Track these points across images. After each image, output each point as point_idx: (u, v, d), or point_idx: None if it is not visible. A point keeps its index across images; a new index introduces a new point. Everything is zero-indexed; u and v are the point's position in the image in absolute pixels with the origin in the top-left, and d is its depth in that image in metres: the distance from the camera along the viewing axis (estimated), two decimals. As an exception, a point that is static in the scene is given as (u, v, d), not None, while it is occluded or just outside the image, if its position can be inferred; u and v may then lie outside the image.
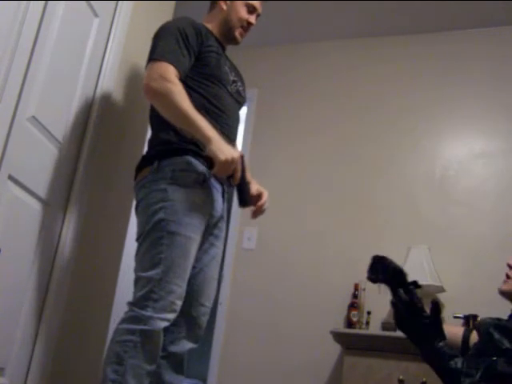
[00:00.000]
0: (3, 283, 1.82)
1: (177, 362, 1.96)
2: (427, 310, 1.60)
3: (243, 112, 2.34)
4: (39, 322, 2.02)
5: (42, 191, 1.98)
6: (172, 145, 1.93)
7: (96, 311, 2.34)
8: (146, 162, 1.97)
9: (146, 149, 2.09)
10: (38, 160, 1.96)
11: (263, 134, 3.83)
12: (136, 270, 1.87)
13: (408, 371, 2.63)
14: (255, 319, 3.44)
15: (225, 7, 2.18)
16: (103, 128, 2.29)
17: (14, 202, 1.84)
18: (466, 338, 1.76)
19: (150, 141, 2.03)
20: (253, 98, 3.80)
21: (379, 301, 3.16)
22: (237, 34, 2.19)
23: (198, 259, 1.96)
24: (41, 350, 2.01)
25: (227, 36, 2.19)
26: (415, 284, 1.63)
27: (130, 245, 2.54)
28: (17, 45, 1.76)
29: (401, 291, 1.61)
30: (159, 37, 2.00)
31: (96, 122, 2.25)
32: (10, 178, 1.81)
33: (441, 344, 1.54)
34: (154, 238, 1.83)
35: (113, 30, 2.35)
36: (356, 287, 3.19)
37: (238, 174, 1.85)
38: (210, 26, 2.17)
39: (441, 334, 1.56)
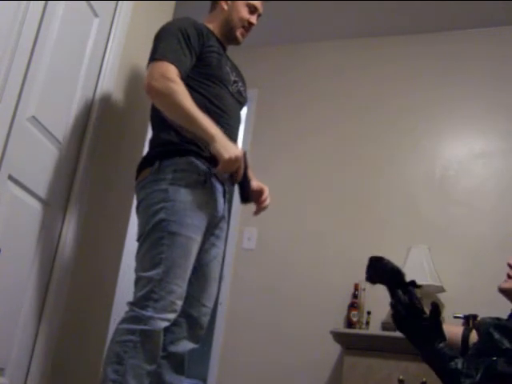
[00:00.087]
0: (3, 283, 1.82)
1: (177, 363, 1.96)
2: (427, 310, 1.60)
3: (243, 112, 2.34)
4: (39, 322, 2.02)
5: (42, 191, 1.98)
6: (173, 145, 1.93)
7: (96, 311, 2.34)
8: (147, 162, 1.97)
9: (146, 149, 2.09)
10: (38, 160, 1.96)
11: (263, 134, 3.84)
12: (136, 270, 1.87)
13: (408, 371, 2.63)
14: (255, 319, 3.44)
15: (226, 7, 2.18)
16: (103, 128, 2.29)
17: (13, 202, 1.84)
18: (465, 337, 1.76)
19: (151, 141, 2.03)
20: (253, 98, 3.79)
21: (379, 301, 3.16)
22: (238, 34, 2.19)
23: (198, 259, 1.96)
24: (41, 350, 2.01)
25: (228, 36, 2.19)
26: (413, 284, 1.63)
27: (130, 245, 2.54)
28: (17, 45, 1.76)
29: (399, 292, 1.61)
30: (160, 37, 2.00)
31: (96, 122, 2.25)
32: (10, 178, 1.81)
33: (441, 345, 1.54)
34: (155, 238, 1.83)
35: (113, 30, 2.35)
36: (356, 287, 3.19)
37: (241, 172, 1.87)
38: (211, 26, 2.17)
39: (441, 335, 1.56)
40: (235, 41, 2.20)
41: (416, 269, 2.98)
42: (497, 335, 1.56)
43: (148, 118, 2.61)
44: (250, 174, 1.99)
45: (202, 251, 1.99)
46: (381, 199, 3.46)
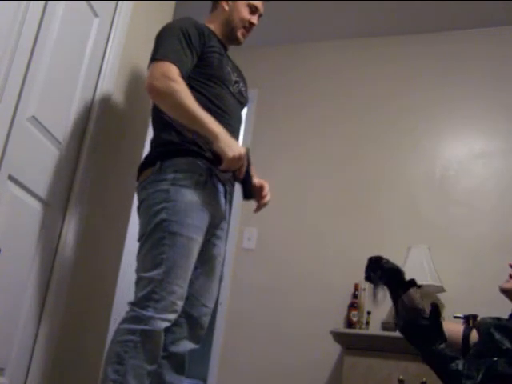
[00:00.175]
0: (3, 283, 1.82)
1: (178, 363, 1.96)
2: (427, 310, 1.60)
3: (243, 112, 2.34)
4: (39, 322, 2.02)
5: (42, 191, 1.98)
6: (174, 145, 1.93)
7: (96, 311, 2.34)
8: (148, 162, 1.97)
9: (147, 149, 2.09)
10: (38, 160, 1.96)
11: (263, 134, 3.84)
12: (137, 271, 1.87)
13: (408, 371, 2.63)
14: (255, 319, 3.44)
15: (227, 8, 2.18)
16: (103, 128, 2.29)
17: (13, 202, 1.84)
18: (466, 336, 1.76)
19: (152, 141, 2.03)
20: (253, 98, 3.79)
21: (379, 301, 3.17)
22: (239, 34, 2.19)
23: (199, 260, 1.96)
24: (41, 350, 2.01)
25: (229, 36, 2.19)
26: (413, 283, 1.63)
27: (130, 245, 2.54)
28: (17, 45, 1.76)
29: (400, 291, 1.61)
30: (162, 37, 2.00)
31: (96, 121, 2.24)
32: (10, 178, 1.80)
33: (441, 346, 1.54)
34: (156, 238, 1.83)
35: (113, 30, 2.35)
36: (356, 287, 3.19)
37: (244, 169, 1.88)
38: (212, 26, 2.17)
39: (441, 336, 1.56)
40: (236, 41, 2.20)
41: (416, 269, 2.98)
42: (497, 335, 1.56)
43: (148, 118, 2.61)
44: (253, 170, 1.99)
45: (203, 252, 1.99)
46: (381, 199, 3.46)
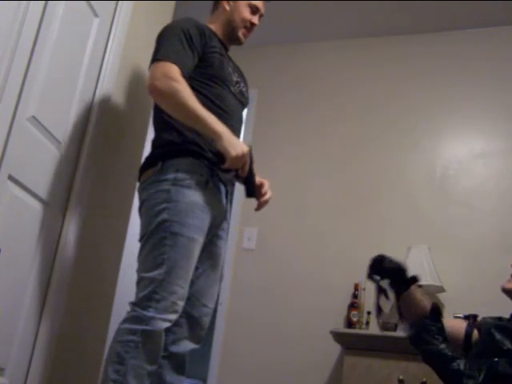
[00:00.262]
0: (3, 283, 1.82)
1: (178, 363, 1.96)
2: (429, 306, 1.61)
3: (244, 112, 2.35)
4: (39, 322, 2.02)
5: (42, 191, 1.98)
6: (175, 146, 1.93)
7: (96, 311, 2.34)
8: (149, 163, 1.97)
9: (147, 149, 2.09)
10: (38, 160, 1.96)
11: (263, 134, 3.83)
12: (138, 271, 1.87)
13: (408, 371, 2.63)
14: (255, 319, 3.44)
15: (228, 8, 2.18)
16: (103, 128, 2.29)
17: (14, 202, 1.84)
18: (468, 334, 1.75)
19: (154, 142, 2.03)
20: (253, 98, 3.79)
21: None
22: (240, 34, 2.19)
23: (200, 260, 1.96)
24: (41, 350, 2.01)
25: (230, 37, 2.18)
26: (415, 279, 1.64)
27: (130, 245, 2.54)
28: (17, 45, 1.76)
29: (402, 289, 1.61)
30: (163, 37, 2.00)
31: (96, 122, 2.24)
32: (10, 178, 1.80)
33: (442, 346, 1.54)
34: (157, 238, 1.83)
35: (113, 30, 2.35)
36: (356, 287, 3.19)
37: (247, 167, 1.89)
38: (213, 26, 2.17)
39: (442, 336, 1.56)
40: (237, 41, 2.20)
41: (416, 269, 2.97)
42: (498, 336, 1.56)
43: (148, 118, 2.61)
44: (255, 168, 2.00)
45: (204, 252, 1.99)
46: (381, 199, 3.46)
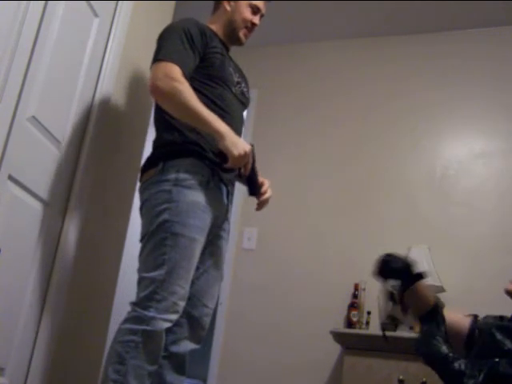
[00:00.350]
0: (3, 283, 1.82)
1: (178, 363, 1.96)
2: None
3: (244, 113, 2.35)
4: (39, 322, 2.02)
5: (42, 191, 1.98)
6: (176, 146, 1.93)
7: (96, 311, 2.34)
8: (150, 163, 1.97)
9: (147, 149, 2.09)
10: (38, 160, 1.96)
11: (263, 135, 3.83)
12: (139, 271, 1.87)
13: (408, 371, 2.63)
14: (255, 319, 3.44)
15: (228, 8, 2.18)
16: (103, 128, 2.29)
17: (13, 202, 1.84)
18: (472, 330, 1.74)
19: (155, 142, 2.03)
20: (253, 98, 3.78)
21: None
22: (241, 34, 2.18)
23: (201, 260, 1.96)
24: (41, 350, 2.01)
25: (231, 37, 2.18)
26: (421, 275, 1.64)
27: (130, 245, 2.54)
28: (17, 45, 1.76)
29: (407, 285, 1.62)
30: (164, 37, 2.00)
31: (96, 121, 2.24)
32: (10, 178, 1.80)
33: (443, 348, 1.54)
34: (158, 239, 1.83)
35: (113, 30, 2.35)
36: (356, 287, 3.19)
37: (249, 166, 1.90)
38: (214, 27, 2.16)
39: (444, 337, 1.56)
40: (238, 41, 2.20)
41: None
42: (499, 336, 1.56)
43: (148, 118, 2.61)
44: (257, 167, 2.00)
45: (205, 252, 1.99)
46: (381, 199, 3.46)
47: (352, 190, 3.54)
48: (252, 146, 1.90)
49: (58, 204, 2.08)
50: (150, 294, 1.78)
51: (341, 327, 3.16)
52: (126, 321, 1.79)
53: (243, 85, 2.19)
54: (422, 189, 3.42)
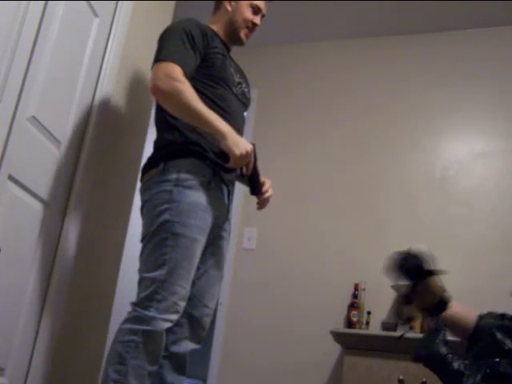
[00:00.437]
0: (3, 283, 1.82)
1: (179, 363, 1.96)
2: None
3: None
4: (39, 322, 2.02)
5: (42, 191, 1.98)
6: (177, 146, 1.93)
7: (96, 311, 2.34)
8: (151, 163, 1.97)
9: (147, 149, 2.09)
10: (38, 160, 1.96)
11: (263, 135, 3.83)
12: (140, 271, 1.87)
13: (408, 371, 2.63)
14: (255, 319, 3.44)
15: (229, 8, 2.17)
16: (103, 128, 2.29)
17: (13, 202, 1.84)
18: (478, 328, 1.74)
19: (156, 142, 2.03)
20: (253, 98, 3.75)
21: (379, 301, 3.17)
22: (242, 34, 2.18)
23: (202, 260, 1.96)
24: (41, 350, 2.01)
25: (232, 37, 2.18)
26: (431, 272, 1.64)
27: (131, 245, 2.54)
28: (17, 45, 1.76)
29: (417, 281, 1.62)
30: (165, 38, 2.00)
31: (96, 121, 2.24)
32: (10, 178, 1.80)
33: (443, 349, 1.54)
34: (159, 239, 1.83)
35: (113, 30, 2.35)
36: (356, 287, 3.19)
37: (251, 165, 1.90)
38: (214, 27, 2.16)
39: (444, 339, 1.57)
40: (239, 42, 2.20)
41: (416, 269, 2.98)
42: (499, 336, 1.56)
43: (148, 118, 2.61)
44: (259, 166, 2.00)
45: (206, 252, 1.99)
46: (381, 199, 3.46)
47: (352, 190, 3.54)
48: (253, 145, 1.90)
49: (58, 204, 2.08)
50: (150, 294, 1.78)
51: (341, 327, 3.16)
52: (127, 321, 1.79)
53: (244, 85, 2.18)
54: (422, 189, 3.42)
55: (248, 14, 2.17)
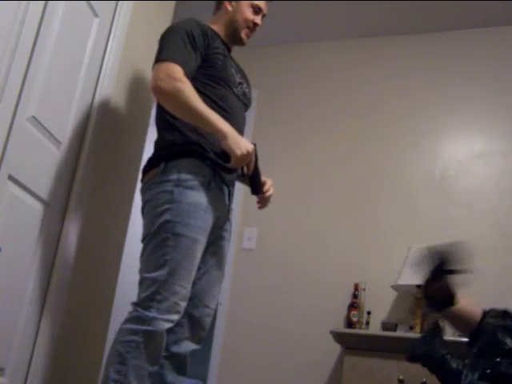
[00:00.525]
0: (3, 283, 1.82)
1: (179, 363, 1.96)
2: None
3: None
4: (39, 322, 2.02)
5: (42, 191, 1.98)
6: (178, 146, 1.93)
7: (96, 311, 2.34)
8: (152, 163, 1.97)
9: (147, 149, 2.09)
10: (38, 160, 1.96)
11: (263, 135, 3.83)
12: (141, 271, 1.87)
13: (408, 371, 2.63)
14: (255, 319, 3.44)
15: (230, 8, 2.17)
16: (103, 128, 2.29)
17: (13, 202, 1.84)
18: (483, 325, 1.74)
19: (156, 142, 2.03)
20: (253, 98, 3.75)
21: (379, 301, 3.17)
22: (243, 34, 2.18)
23: (203, 261, 1.96)
24: (41, 351, 2.01)
25: (233, 37, 2.18)
26: (447, 271, 1.65)
27: (131, 245, 2.54)
28: (17, 45, 1.75)
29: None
30: (166, 38, 2.00)
31: (96, 121, 2.24)
32: (10, 178, 1.80)
33: (443, 352, 1.55)
34: (160, 239, 1.83)
35: (113, 30, 2.35)
36: (356, 287, 3.19)
37: (252, 165, 1.91)
38: (215, 27, 2.16)
39: (442, 340, 1.57)
40: (240, 42, 2.20)
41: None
42: (500, 335, 1.56)
43: (148, 118, 2.61)
44: (259, 165, 2.01)
45: (207, 252, 1.99)
46: (381, 199, 3.46)
47: (352, 190, 3.54)
48: (254, 145, 1.91)
49: (58, 204, 2.08)
50: (151, 295, 1.78)
51: (341, 327, 3.16)
52: (127, 321, 1.79)
53: (245, 85, 2.18)
54: (422, 189, 3.42)
55: (249, 13, 2.16)
